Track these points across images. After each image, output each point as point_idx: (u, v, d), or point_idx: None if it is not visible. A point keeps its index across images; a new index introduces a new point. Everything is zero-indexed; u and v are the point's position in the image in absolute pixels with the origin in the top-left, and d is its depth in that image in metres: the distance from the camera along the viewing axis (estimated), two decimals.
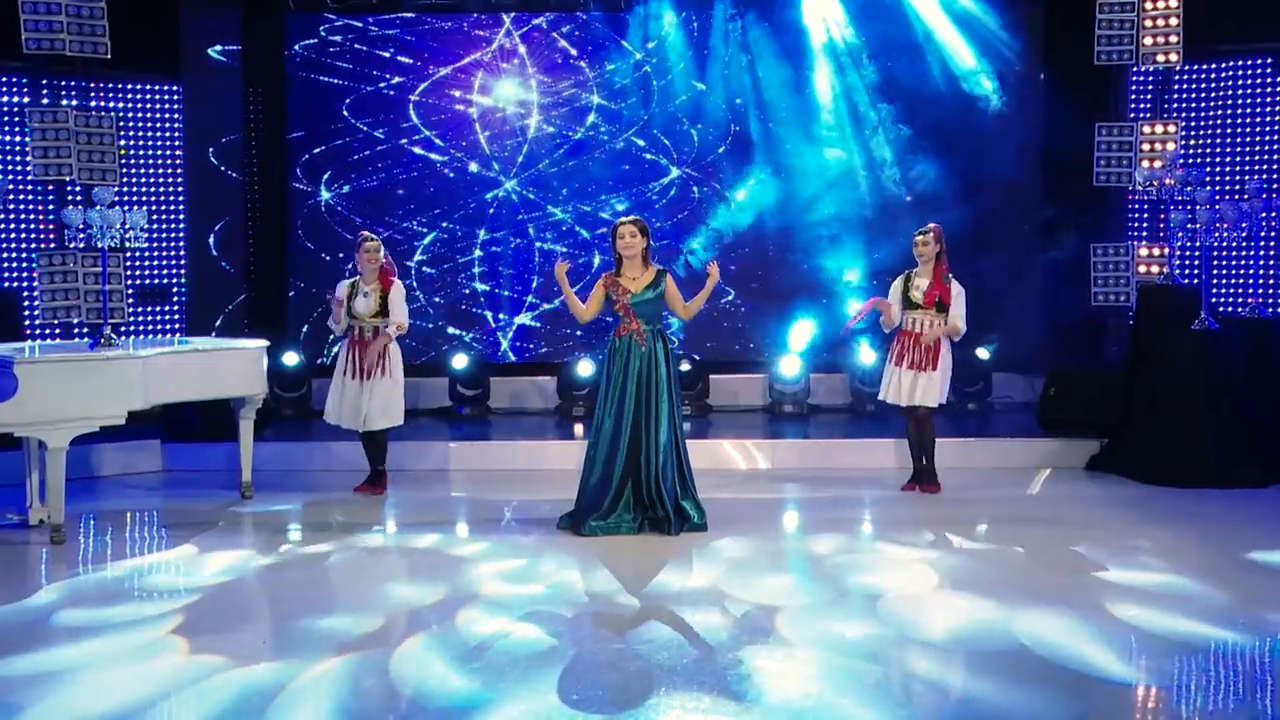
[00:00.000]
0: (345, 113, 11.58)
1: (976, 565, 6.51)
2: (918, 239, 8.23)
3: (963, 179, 11.38)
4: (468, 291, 11.72)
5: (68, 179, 9.87)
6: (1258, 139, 10.72)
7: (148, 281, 10.71)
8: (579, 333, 11.45)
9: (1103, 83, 11.05)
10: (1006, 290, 11.18)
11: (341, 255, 11.42)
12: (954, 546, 6.90)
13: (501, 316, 11.78)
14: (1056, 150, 11.06)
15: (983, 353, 11.08)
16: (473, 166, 11.70)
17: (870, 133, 11.65)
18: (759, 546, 6.91)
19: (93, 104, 10.24)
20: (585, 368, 11.02)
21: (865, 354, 11.15)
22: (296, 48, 11.54)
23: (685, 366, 10.92)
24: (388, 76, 11.61)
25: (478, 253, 11.76)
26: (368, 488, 8.38)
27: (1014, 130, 11.44)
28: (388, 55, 11.59)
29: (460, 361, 11.16)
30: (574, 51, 11.71)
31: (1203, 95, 10.97)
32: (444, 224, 11.70)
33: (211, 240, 11.17)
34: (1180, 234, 9.71)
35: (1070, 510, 7.90)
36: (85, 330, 9.89)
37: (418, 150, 11.63)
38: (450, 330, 11.73)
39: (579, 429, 10.30)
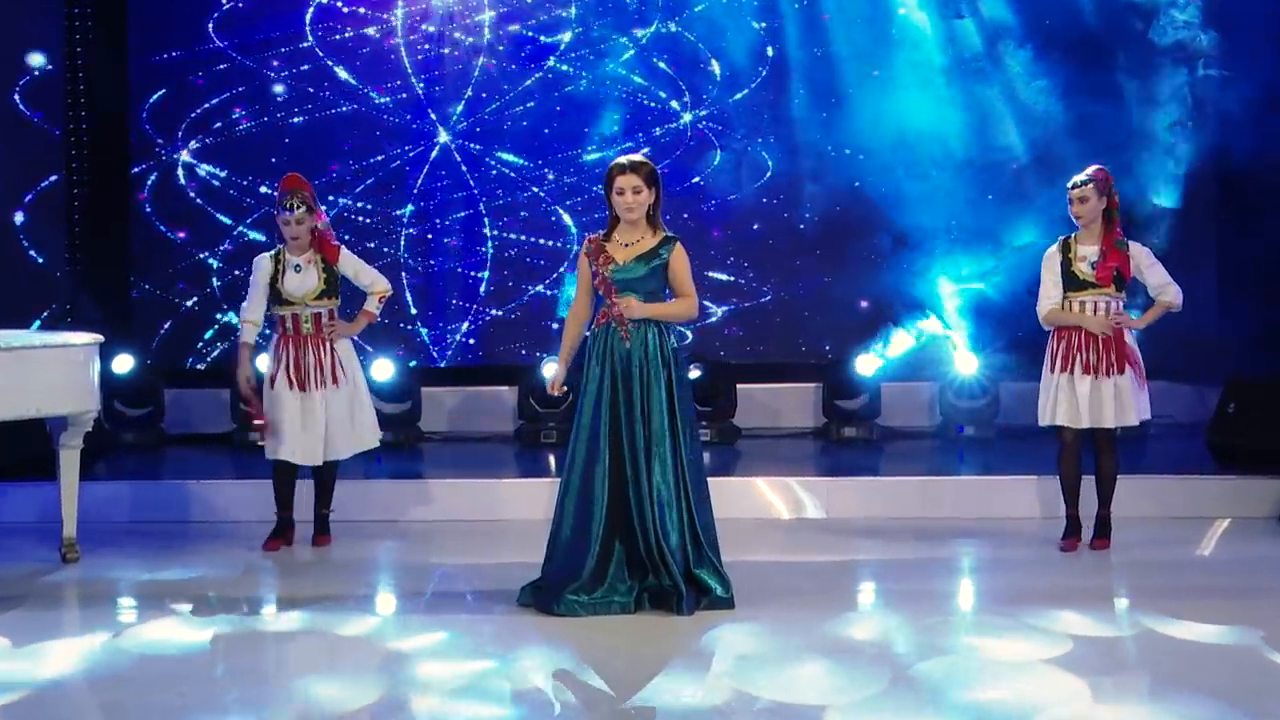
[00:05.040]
0: (211, 32, 11.72)
1: (1127, 665, 6.52)
2: (1073, 193, 8.16)
3: (1107, 121, 11.44)
4: (389, 277, 11.74)
5: None
6: None
7: None
8: (555, 325, 11.44)
9: None
10: (1169, 270, 11.20)
11: (212, 233, 11.48)
12: (1093, 637, 6.83)
13: (435, 308, 11.88)
14: (1236, 75, 11.16)
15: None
16: (397, 111, 11.78)
17: (975, 59, 11.75)
18: (808, 633, 6.87)
19: None
20: (550, 369, 11.04)
21: (960, 360, 11.24)
22: None
23: (694, 373, 10.91)
24: None
25: (404, 227, 11.84)
26: (284, 538, 8.48)
27: (1178, 53, 11.55)
28: None
29: (380, 368, 11.13)
30: None
31: None
32: (355, 190, 11.80)
33: (20, 215, 11.25)
34: None
35: (1258, 579, 7.88)
36: None
37: (317, 87, 11.73)
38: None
39: (552, 460, 10.37)
